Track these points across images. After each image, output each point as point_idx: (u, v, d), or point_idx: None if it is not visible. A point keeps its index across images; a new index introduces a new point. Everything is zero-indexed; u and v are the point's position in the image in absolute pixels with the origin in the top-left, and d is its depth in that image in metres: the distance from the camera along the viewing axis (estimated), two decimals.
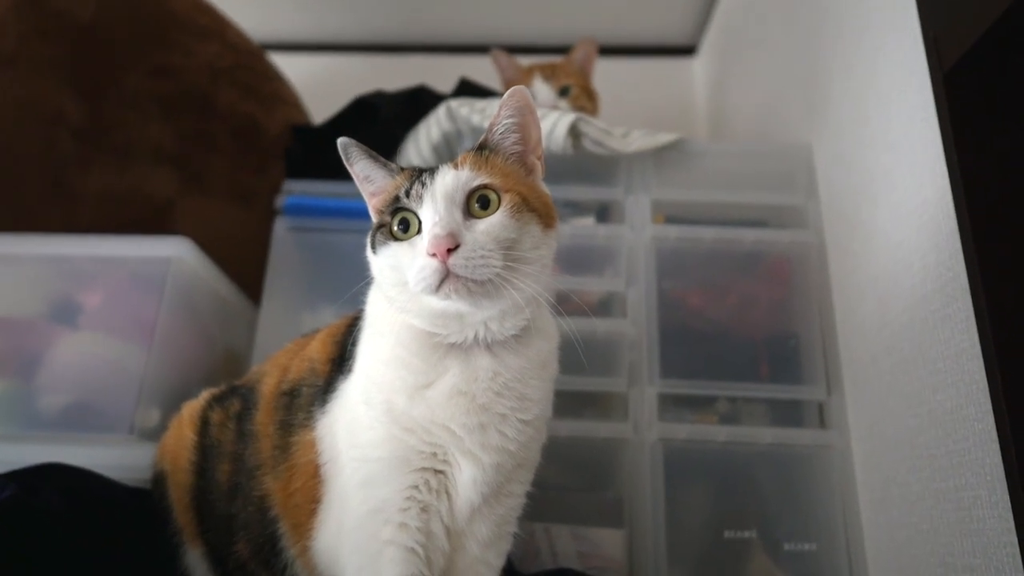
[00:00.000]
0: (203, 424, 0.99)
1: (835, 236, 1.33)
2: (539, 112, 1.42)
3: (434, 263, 0.70)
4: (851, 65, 1.27)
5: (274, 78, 1.94)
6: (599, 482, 1.29)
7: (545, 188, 0.85)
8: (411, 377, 0.78)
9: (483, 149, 0.81)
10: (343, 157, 0.84)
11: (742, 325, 1.37)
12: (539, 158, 0.84)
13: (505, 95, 0.80)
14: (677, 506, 1.22)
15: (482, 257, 0.71)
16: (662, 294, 1.34)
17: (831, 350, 1.29)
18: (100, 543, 0.95)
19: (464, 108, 1.49)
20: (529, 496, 0.89)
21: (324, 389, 0.87)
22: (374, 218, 0.84)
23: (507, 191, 0.77)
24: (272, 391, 0.93)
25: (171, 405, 1.12)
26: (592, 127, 1.41)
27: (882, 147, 1.15)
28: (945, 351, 0.96)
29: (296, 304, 1.49)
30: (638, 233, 1.38)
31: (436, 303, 0.74)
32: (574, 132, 1.40)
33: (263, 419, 0.92)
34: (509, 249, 0.74)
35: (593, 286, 1.38)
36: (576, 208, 1.48)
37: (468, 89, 1.83)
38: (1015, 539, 0.80)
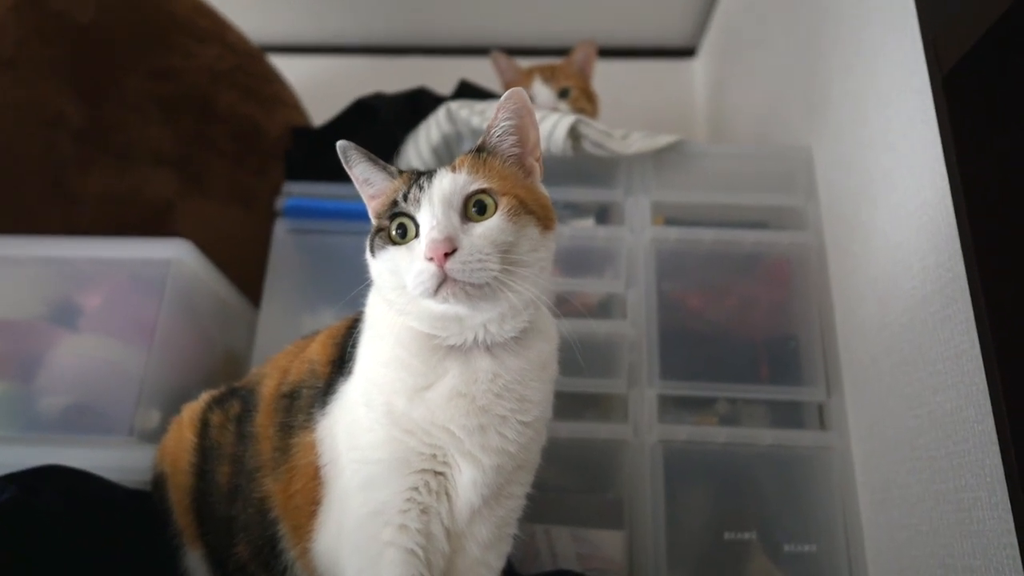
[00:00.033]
0: (203, 426, 0.99)
1: (835, 237, 1.33)
2: (539, 114, 1.43)
3: (431, 267, 0.70)
4: (851, 66, 1.28)
5: (274, 80, 1.94)
6: (599, 484, 1.29)
7: (544, 190, 0.85)
8: (411, 379, 0.78)
9: (481, 152, 0.81)
10: (342, 160, 0.84)
11: (742, 326, 1.37)
12: (537, 160, 0.84)
13: (502, 97, 0.80)
14: (677, 507, 1.22)
15: (479, 261, 0.71)
16: (662, 295, 1.34)
17: (831, 351, 1.29)
18: (100, 545, 0.95)
19: (464, 110, 1.50)
20: (529, 498, 0.89)
21: (324, 391, 0.87)
22: (373, 221, 0.84)
23: (504, 194, 0.77)
24: (272, 393, 0.93)
25: (171, 407, 1.13)
26: (592, 129, 1.41)
27: (882, 148, 1.16)
28: (945, 352, 0.96)
29: (296, 306, 1.49)
30: (638, 235, 1.38)
31: (435, 306, 0.74)
32: (574, 134, 1.40)
33: (263, 421, 0.92)
34: (507, 252, 0.74)
35: (593, 288, 1.38)
36: (576, 210, 1.48)
37: (468, 91, 1.83)
38: (1015, 540, 0.80)
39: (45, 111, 1.41)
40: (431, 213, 0.74)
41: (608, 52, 2.25)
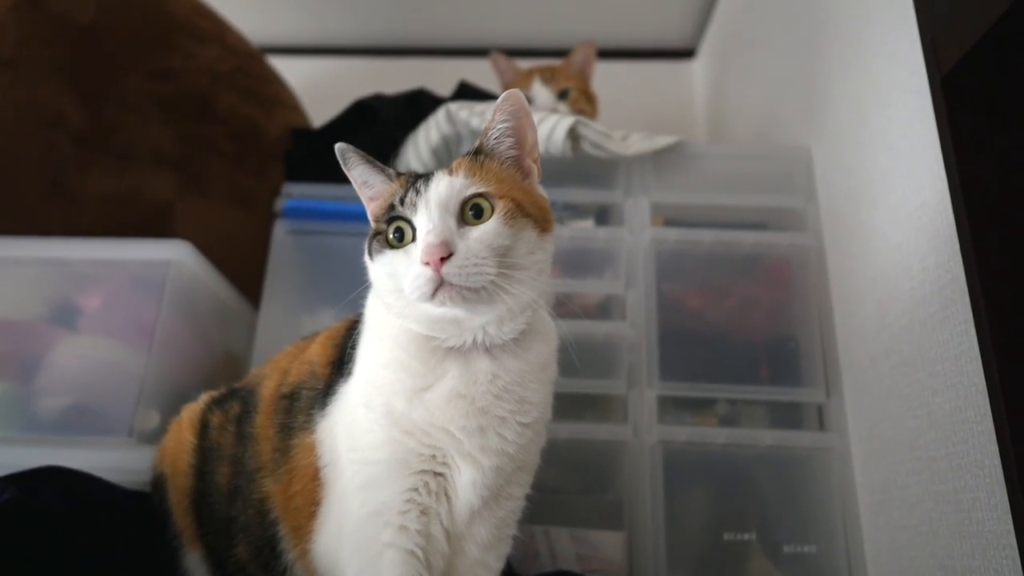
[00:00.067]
0: (203, 427, 0.99)
1: (834, 238, 1.33)
2: (538, 115, 1.44)
3: (428, 272, 0.70)
4: (850, 67, 1.28)
5: (274, 81, 1.94)
6: (599, 484, 1.29)
7: (542, 191, 0.85)
8: (410, 380, 0.78)
9: (478, 154, 0.81)
10: (341, 162, 0.84)
11: (741, 327, 1.37)
12: (535, 161, 0.84)
13: (499, 99, 0.79)
14: (677, 508, 1.22)
15: (475, 265, 0.71)
16: (661, 296, 1.34)
17: (830, 352, 1.30)
18: (100, 546, 0.95)
19: (463, 111, 1.50)
20: (529, 498, 0.89)
21: (324, 392, 0.87)
22: (372, 224, 0.84)
23: (501, 197, 0.76)
24: (272, 394, 0.93)
25: (170, 408, 1.12)
26: (591, 130, 1.41)
27: (881, 149, 1.16)
28: (944, 353, 0.96)
29: (295, 307, 1.49)
30: (637, 236, 1.38)
31: (432, 310, 0.74)
32: (573, 135, 1.40)
33: (263, 422, 0.92)
34: (503, 256, 0.74)
35: (592, 289, 1.38)
36: (575, 211, 1.48)
37: (467, 92, 1.84)
38: (1014, 541, 0.80)
39: (45, 111, 1.41)
40: (427, 217, 0.74)
41: (608, 53, 2.25)
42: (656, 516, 1.20)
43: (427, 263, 0.70)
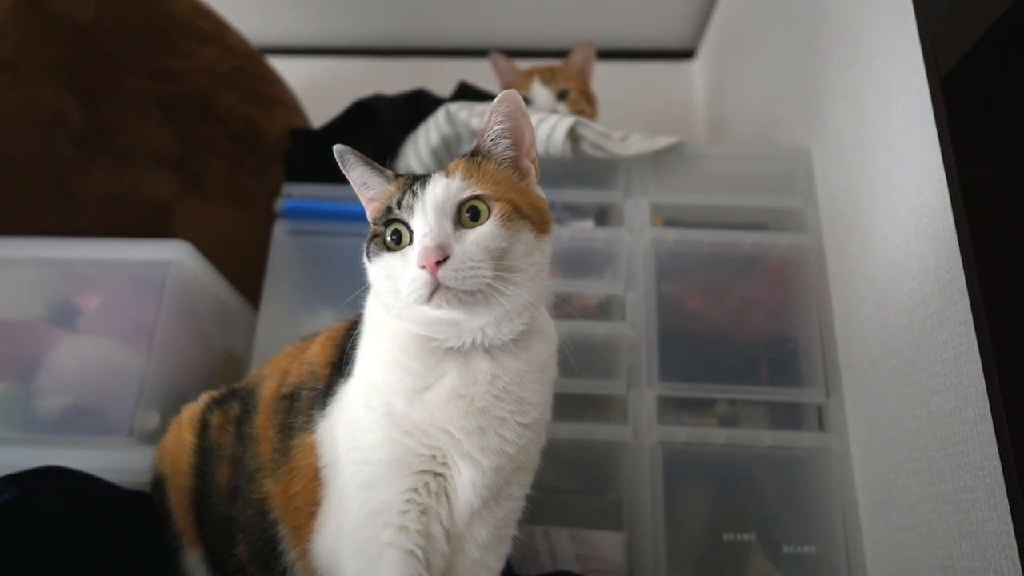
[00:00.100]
0: (203, 427, 1.00)
1: (834, 239, 1.33)
2: (538, 116, 1.44)
3: (424, 275, 0.71)
4: (850, 67, 1.28)
5: (273, 81, 1.94)
6: (598, 485, 1.29)
7: (540, 192, 0.84)
8: (409, 380, 0.78)
9: (475, 155, 0.81)
10: (340, 164, 0.84)
11: (741, 328, 1.37)
12: (533, 162, 0.84)
13: (495, 100, 0.79)
14: (676, 509, 1.22)
15: (471, 268, 0.71)
16: (661, 297, 1.34)
17: (830, 353, 1.30)
18: (100, 546, 0.95)
19: (463, 112, 1.50)
20: (528, 499, 0.89)
21: (324, 392, 0.87)
22: (370, 225, 0.84)
23: (498, 199, 0.76)
24: (272, 394, 0.93)
25: (170, 408, 1.13)
26: (591, 130, 1.41)
27: (880, 150, 1.16)
28: (944, 354, 0.96)
29: (295, 307, 1.49)
30: (637, 236, 1.38)
31: (430, 312, 0.74)
32: (573, 135, 1.40)
33: (263, 422, 0.92)
34: (500, 259, 0.74)
35: (592, 289, 1.38)
36: (575, 211, 1.48)
37: (467, 92, 1.83)
38: (1014, 541, 0.80)
39: (45, 112, 1.41)
40: (424, 220, 0.74)
41: (607, 54, 2.25)
42: (656, 516, 1.20)
43: (423, 266, 0.71)
